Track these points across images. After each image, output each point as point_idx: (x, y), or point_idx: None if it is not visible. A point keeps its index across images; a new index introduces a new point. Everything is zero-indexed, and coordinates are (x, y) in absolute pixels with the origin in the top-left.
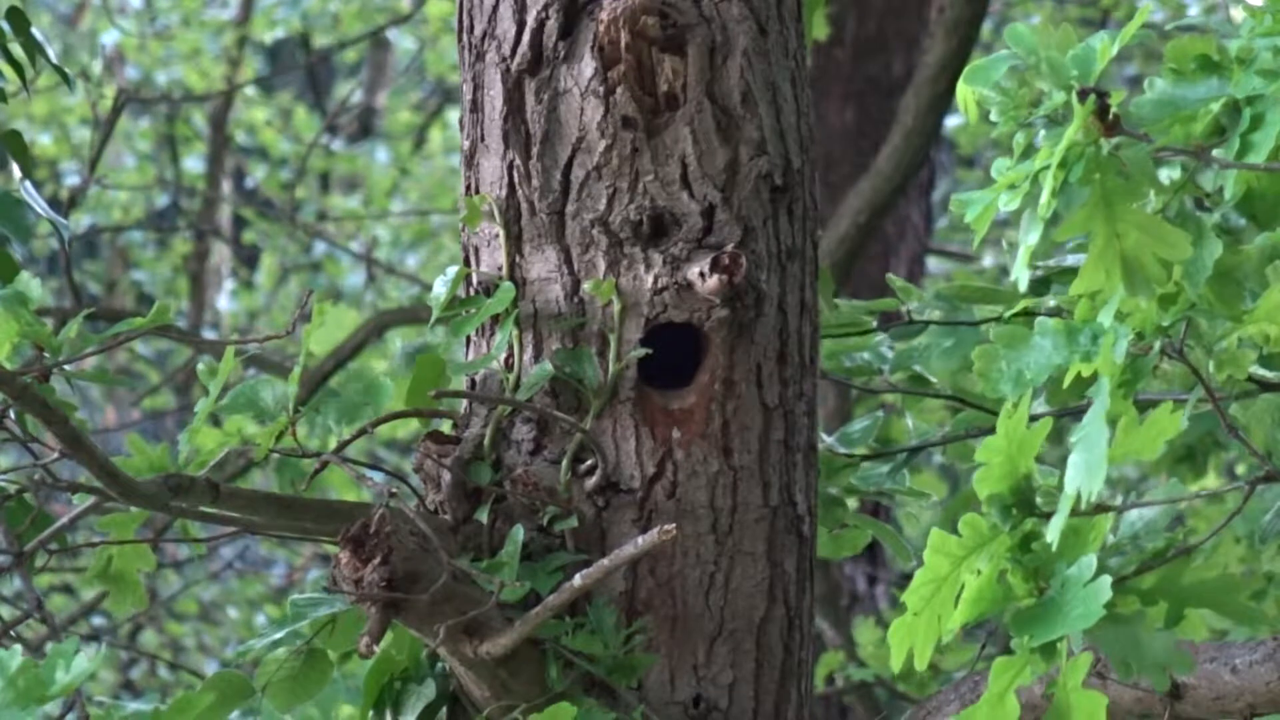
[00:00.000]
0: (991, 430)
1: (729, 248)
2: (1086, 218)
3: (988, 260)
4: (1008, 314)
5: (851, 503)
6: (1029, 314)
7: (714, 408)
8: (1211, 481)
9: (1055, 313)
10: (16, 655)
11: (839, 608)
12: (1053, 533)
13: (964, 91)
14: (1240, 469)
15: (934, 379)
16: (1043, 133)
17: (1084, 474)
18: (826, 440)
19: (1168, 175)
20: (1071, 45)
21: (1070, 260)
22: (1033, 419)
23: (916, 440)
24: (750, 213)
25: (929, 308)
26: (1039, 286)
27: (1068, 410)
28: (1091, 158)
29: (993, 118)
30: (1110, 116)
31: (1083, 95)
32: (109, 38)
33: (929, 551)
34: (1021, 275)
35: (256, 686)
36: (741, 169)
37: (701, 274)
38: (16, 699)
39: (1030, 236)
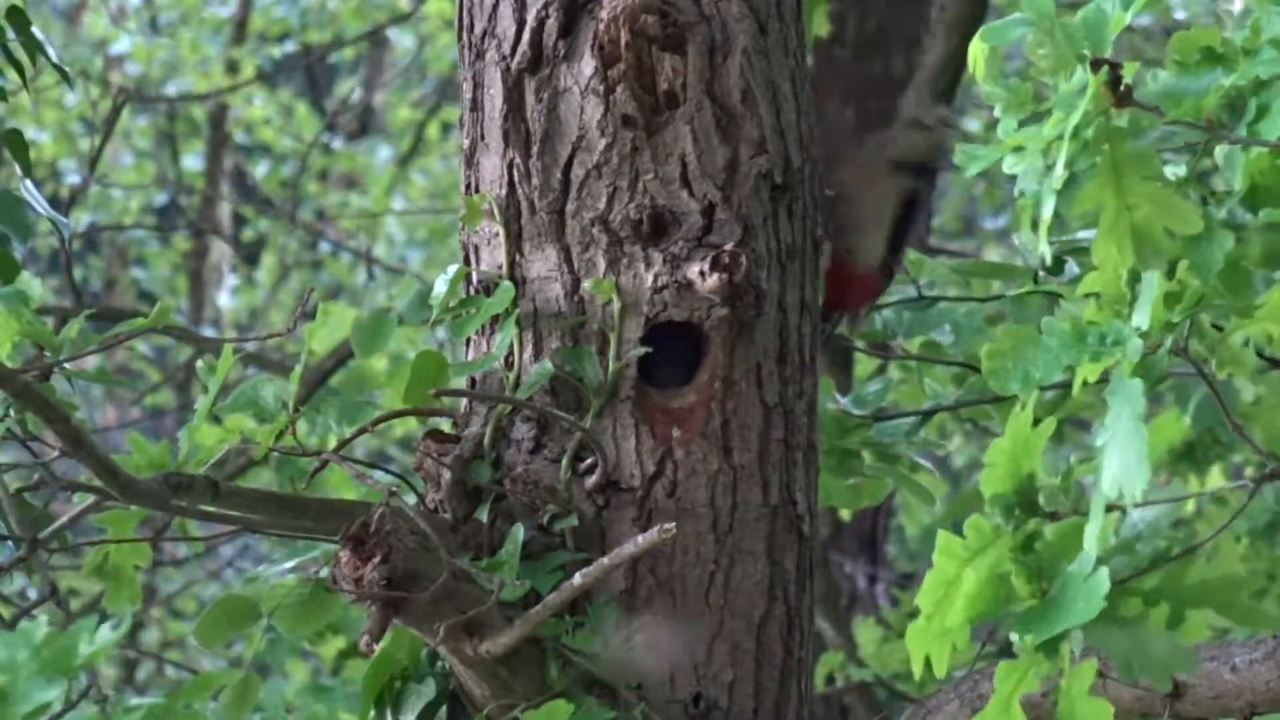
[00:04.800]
0: (1002, 398)
1: (729, 246)
2: (1097, 190)
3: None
4: (1020, 290)
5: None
6: (1041, 290)
7: (714, 406)
8: (1215, 479)
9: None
10: (42, 626)
11: (839, 607)
12: (1089, 540)
13: (976, 49)
14: (1250, 471)
15: (948, 340)
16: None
17: (1123, 476)
18: (841, 401)
19: (1173, 173)
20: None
21: (1082, 235)
22: (1051, 387)
23: (931, 403)
24: (750, 211)
25: (942, 283)
26: (1053, 265)
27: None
28: (1101, 128)
29: (996, 114)
30: (1122, 88)
31: (1095, 66)
32: (122, 45)
33: (938, 554)
34: (1045, 249)
35: (264, 610)
36: (741, 167)
37: (701, 273)
38: (42, 669)
39: (1045, 210)
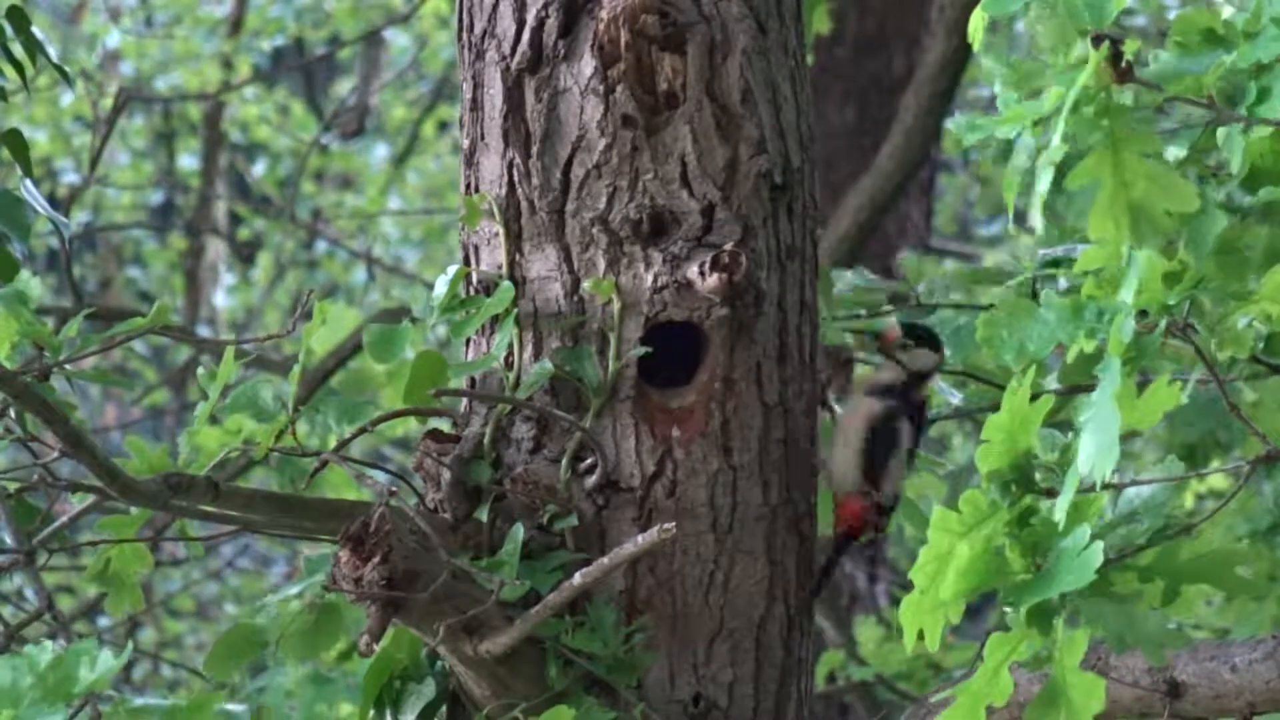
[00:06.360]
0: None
1: (729, 246)
2: (1095, 165)
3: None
4: (1014, 283)
5: None
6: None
7: (714, 406)
8: (1217, 482)
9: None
10: (47, 652)
11: (839, 607)
12: (1059, 511)
13: (977, 19)
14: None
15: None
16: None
17: (1096, 455)
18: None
19: (1174, 155)
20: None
21: (1080, 250)
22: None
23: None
24: (750, 211)
25: (939, 292)
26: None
27: (1078, 388)
28: (1101, 103)
29: (995, 89)
30: (1123, 64)
31: (1096, 40)
32: (112, 39)
33: (933, 529)
34: (1038, 223)
35: (270, 638)
36: (741, 167)
37: (701, 272)
38: (45, 696)
39: (1042, 183)
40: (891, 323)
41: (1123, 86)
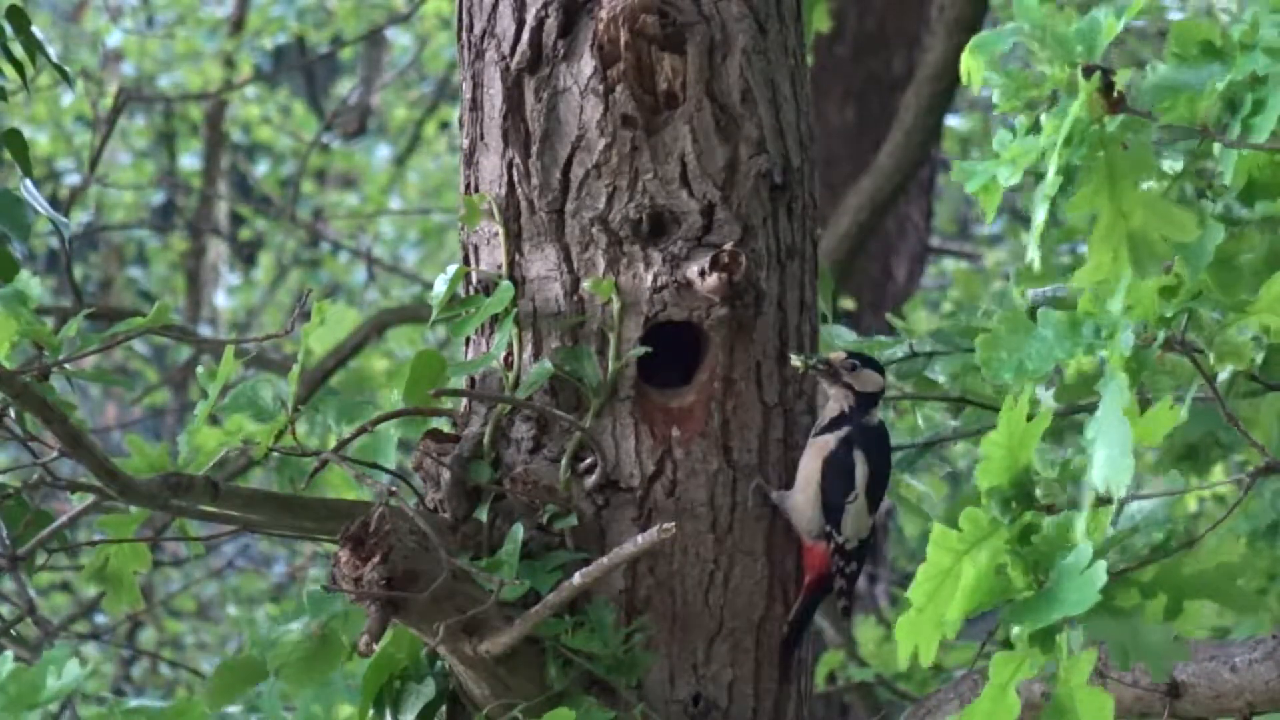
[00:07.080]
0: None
1: (728, 246)
2: (1092, 195)
3: (988, 261)
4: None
5: None
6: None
7: (714, 406)
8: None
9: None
10: (8, 662)
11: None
12: (1078, 528)
13: (969, 61)
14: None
15: (941, 378)
16: (1043, 115)
17: (1109, 468)
18: None
19: (1170, 166)
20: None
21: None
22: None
23: (926, 435)
24: (750, 211)
25: (927, 343)
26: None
27: (1077, 408)
28: (1095, 135)
29: (994, 99)
30: (1115, 94)
31: (1088, 72)
32: (113, 39)
33: (931, 546)
34: (1035, 255)
35: (270, 668)
36: (741, 167)
37: (701, 272)
38: (8, 706)
39: (1039, 214)
40: (838, 350)
41: (1115, 116)
